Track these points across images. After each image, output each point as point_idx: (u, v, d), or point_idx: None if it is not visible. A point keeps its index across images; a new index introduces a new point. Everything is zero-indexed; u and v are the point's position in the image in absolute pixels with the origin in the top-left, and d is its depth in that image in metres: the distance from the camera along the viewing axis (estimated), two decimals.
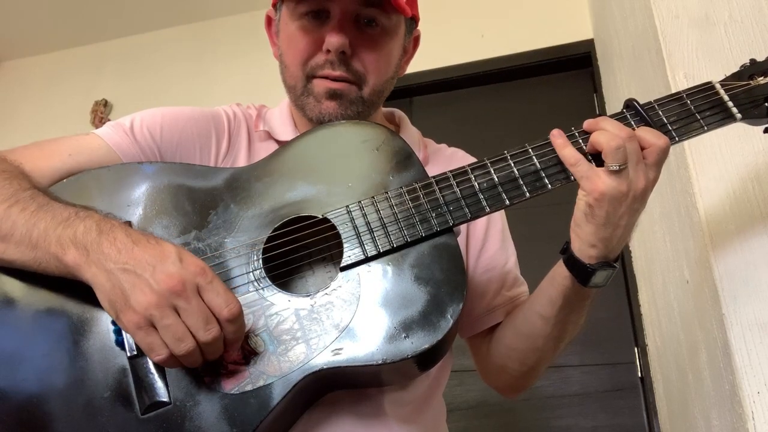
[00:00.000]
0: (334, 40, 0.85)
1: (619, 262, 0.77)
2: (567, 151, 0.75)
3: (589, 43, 2.48)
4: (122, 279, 0.65)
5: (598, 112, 2.36)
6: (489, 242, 0.98)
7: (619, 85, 1.87)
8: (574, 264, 0.76)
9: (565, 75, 2.54)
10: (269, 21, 0.98)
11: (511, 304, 0.96)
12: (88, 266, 0.67)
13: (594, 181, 0.71)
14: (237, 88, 2.83)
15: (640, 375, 1.98)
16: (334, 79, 0.88)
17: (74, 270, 0.68)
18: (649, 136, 0.73)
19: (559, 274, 0.80)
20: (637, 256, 1.99)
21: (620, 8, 1.66)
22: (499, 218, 1.01)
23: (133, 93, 3.02)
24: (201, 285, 0.66)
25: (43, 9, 2.96)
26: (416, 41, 1.02)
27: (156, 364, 0.71)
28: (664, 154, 0.73)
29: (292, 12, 0.89)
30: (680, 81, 1.00)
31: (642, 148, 0.72)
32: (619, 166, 0.70)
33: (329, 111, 0.88)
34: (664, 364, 1.62)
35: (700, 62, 1.01)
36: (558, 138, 0.76)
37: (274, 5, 0.95)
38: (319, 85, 0.89)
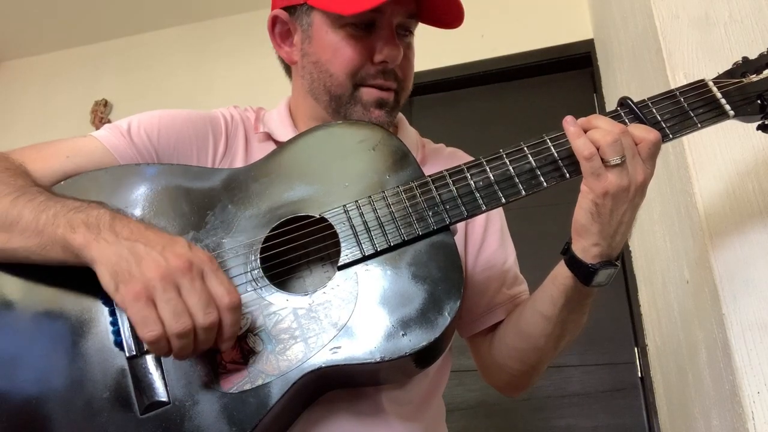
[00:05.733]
0: (394, 54, 0.87)
1: (619, 261, 0.77)
2: (581, 142, 0.73)
3: (589, 43, 2.47)
4: (131, 251, 0.66)
5: (597, 112, 2.35)
6: (488, 240, 0.98)
7: (619, 85, 1.87)
8: (576, 264, 0.76)
9: (565, 75, 2.54)
10: (274, 22, 0.95)
11: (512, 302, 0.95)
12: (97, 242, 0.67)
13: (600, 178, 0.71)
14: (237, 88, 2.83)
15: (640, 375, 1.98)
16: (386, 89, 0.90)
17: (80, 250, 0.68)
18: (640, 131, 0.73)
19: (561, 274, 0.80)
20: (637, 256, 1.99)
21: (620, 8, 1.66)
22: (497, 217, 1.00)
23: (133, 93, 3.02)
24: (206, 271, 0.67)
25: (43, 9, 2.96)
26: None
27: (155, 363, 0.72)
28: (656, 147, 0.73)
29: (334, 20, 0.88)
30: (680, 81, 0.99)
31: (635, 144, 0.72)
32: (621, 158, 0.71)
33: (378, 119, 0.89)
34: (664, 364, 1.62)
35: (700, 62, 1.01)
36: (571, 125, 0.74)
37: (291, 8, 0.92)
38: (369, 94, 0.89)
